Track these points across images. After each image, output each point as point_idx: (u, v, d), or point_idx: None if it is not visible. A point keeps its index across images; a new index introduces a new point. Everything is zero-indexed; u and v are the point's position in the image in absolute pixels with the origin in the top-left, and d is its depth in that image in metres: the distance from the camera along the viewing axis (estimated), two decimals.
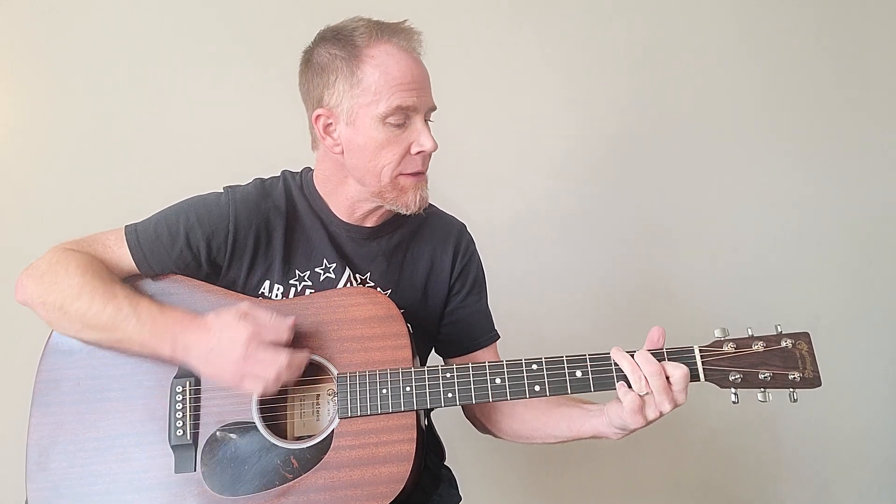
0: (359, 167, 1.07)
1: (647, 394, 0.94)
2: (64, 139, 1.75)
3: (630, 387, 0.95)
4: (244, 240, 1.09)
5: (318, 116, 1.08)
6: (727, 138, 2.03)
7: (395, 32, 1.05)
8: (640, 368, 0.94)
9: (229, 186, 1.13)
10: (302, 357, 0.97)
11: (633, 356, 0.96)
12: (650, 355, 0.95)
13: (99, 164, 1.75)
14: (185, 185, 1.15)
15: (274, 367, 0.93)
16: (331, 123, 1.07)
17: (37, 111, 1.75)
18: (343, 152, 1.08)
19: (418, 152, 1.05)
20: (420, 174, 1.08)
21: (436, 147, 1.05)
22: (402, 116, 1.03)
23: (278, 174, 1.19)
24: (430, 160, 1.10)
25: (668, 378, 0.93)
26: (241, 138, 1.78)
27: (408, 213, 1.09)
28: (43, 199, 1.73)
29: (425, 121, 1.07)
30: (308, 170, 1.19)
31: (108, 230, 1.09)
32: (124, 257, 1.06)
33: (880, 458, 2.07)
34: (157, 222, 1.08)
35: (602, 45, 1.99)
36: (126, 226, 1.08)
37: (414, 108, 1.04)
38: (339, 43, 1.05)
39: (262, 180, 1.16)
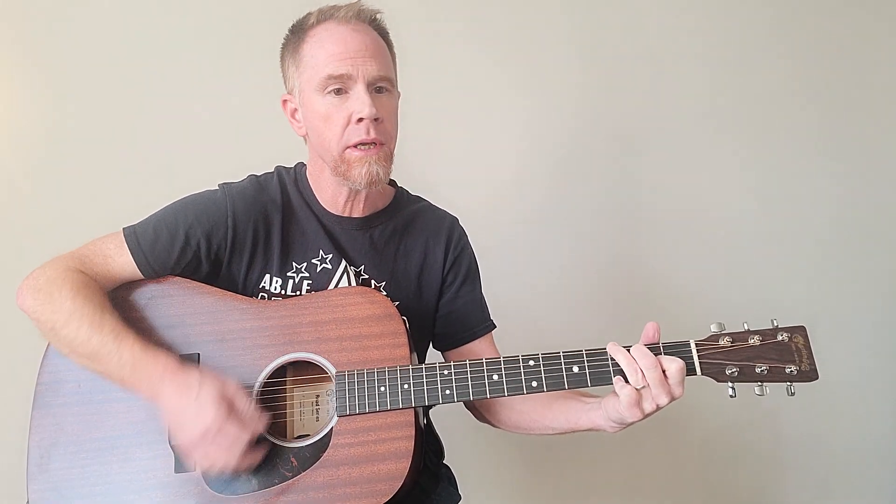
0: (317, 145, 1.11)
1: (643, 387, 0.94)
2: (62, 140, 1.75)
3: (626, 381, 0.95)
4: (243, 234, 1.10)
5: (285, 102, 1.14)
6: (727, 132, 2.04)
7: (340, 9, 1.07)
8: (636, 362, 0.95)
9: (225, 183, 1.15)
10: (255, 458, 0.97)
11: (628, 350, 0.96)
12: (646, 349, 0.96)
13: (99, 163, 1.75)
14: (184, 184, 1.16)
15: (218, 463, 0.95)
16: (295, 108, 1.13)
17: (36, 111, 1.76)
18: (307, 133, 1.12)
19: (358, 120, 1.04)
20: (367, 146, 1.05)
21: (374, 113, 1.03)
22: (338, 85, 1.05)
23: (272, 170, 1.20)
24: (384, 131, 1.07)
25: (664, 371, 0.94)
26: (241, 137, 1.79)
27: (361, 188, 1.09)
28: (42, 199, 1.73)
29: (372, 90, 1.06)
30: (301, 164, 1.21)
31: (107, 235, 1.09)
32: (126, 264, 1.06)
33: (880, 458, 2.06)
34: (155, 223, 1.08)
35: (602, 36, 1.99)
36: (124, 228, 1.09)
37: (349, 76, 1.04)
38: (293, 31, 1.12)
39: (256, 176, 1.18)
